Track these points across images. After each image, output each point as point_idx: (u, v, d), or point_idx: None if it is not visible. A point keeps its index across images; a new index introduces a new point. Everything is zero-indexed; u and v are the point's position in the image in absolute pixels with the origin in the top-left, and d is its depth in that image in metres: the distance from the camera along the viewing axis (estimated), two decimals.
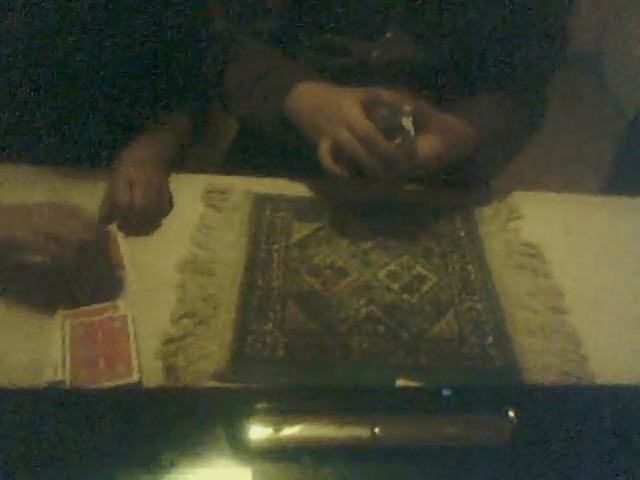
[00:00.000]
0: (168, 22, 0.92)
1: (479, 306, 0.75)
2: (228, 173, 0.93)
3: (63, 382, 0.62)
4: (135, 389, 0.61)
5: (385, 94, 0.75)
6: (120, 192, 0.81)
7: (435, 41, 0.90)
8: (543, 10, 0.89)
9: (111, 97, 0.93)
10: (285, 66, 0.90)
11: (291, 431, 0.53)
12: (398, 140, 0.74)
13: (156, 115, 0.98)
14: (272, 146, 0.93)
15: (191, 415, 0.55)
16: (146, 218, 0.81)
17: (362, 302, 0.74)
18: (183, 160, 1.02)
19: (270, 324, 0.70)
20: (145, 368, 0.64)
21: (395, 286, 0.76)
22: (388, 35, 0.90)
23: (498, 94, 0.93)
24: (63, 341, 0.65)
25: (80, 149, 0.93)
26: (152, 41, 0.92)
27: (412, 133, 0.75)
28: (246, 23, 0.94)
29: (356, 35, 0.90)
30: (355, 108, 0.73)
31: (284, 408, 0.55)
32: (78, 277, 0.69)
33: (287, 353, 0.67)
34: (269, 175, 0.91)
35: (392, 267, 0.79)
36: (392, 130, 0.74)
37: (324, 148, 0.75)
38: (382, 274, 0.78)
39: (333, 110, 0.76)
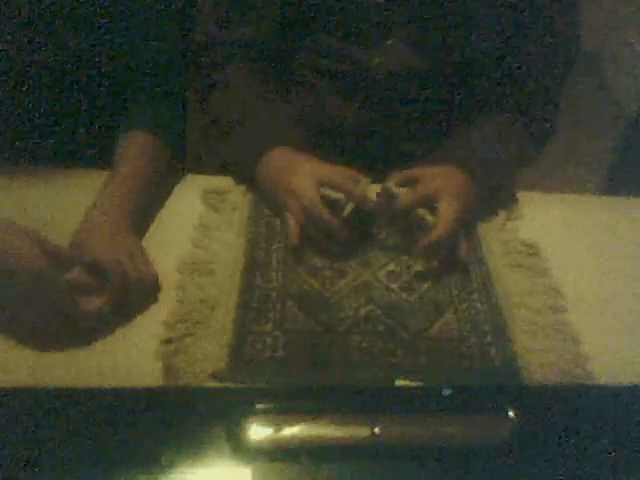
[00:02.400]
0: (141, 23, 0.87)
1: (478, 305, 0.74)
2: (227, 174, 0.93)
3: None
4: (135, 389, 0.61)
5: (338, 177, 0.78)
6: (127, 267, 0.69)
7: (437, 50, 0.89)
8: (549, 19, 0.88)
9: (77, 99, 0.90)
10: (261, 118, 0.89)
11: (291, 431, 0.53)
12: (347, 211, 0.77)
13: (120, 139, 0.84)
14: None
15: (191, 415, 0.55)
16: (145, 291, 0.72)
17: (361, 302, 0.73)
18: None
19: (270, 324, 0.70)
20: (145, 368, 0.64)
21: (394, 285, 0.76)
22: (389, 43, 0.89)
23: (500, 118, 0.91)
24: None
25: (59, 148, 0.92)
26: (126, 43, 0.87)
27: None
28: (239, 30, 0.93)
29: (357, 42, 0.90)
30: (307, 180, 0.77)
31: (284, 408, 0.55)
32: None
33: (287, 353, 0.67)
34: None
35: (391, 267, 0.79)
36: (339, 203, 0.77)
37: (291, 224, 0.79)
38: (381, 274, 0.78)
39: (289, 183, 0.78)
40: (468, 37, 0.88)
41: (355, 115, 0.96)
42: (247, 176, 0.87)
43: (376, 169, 0.83)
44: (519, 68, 0.91)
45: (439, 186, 0.78)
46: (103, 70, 0.88)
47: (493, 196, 0.87)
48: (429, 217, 0.77)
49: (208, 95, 0.94)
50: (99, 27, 0.85)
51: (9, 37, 0.83)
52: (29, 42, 0.84)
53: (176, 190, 0.88)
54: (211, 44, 0.94)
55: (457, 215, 0.76)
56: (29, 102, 0.89)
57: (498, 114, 0.91)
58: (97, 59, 0.87)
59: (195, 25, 0.97)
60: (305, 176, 0.78)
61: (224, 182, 0.89)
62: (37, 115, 0.90)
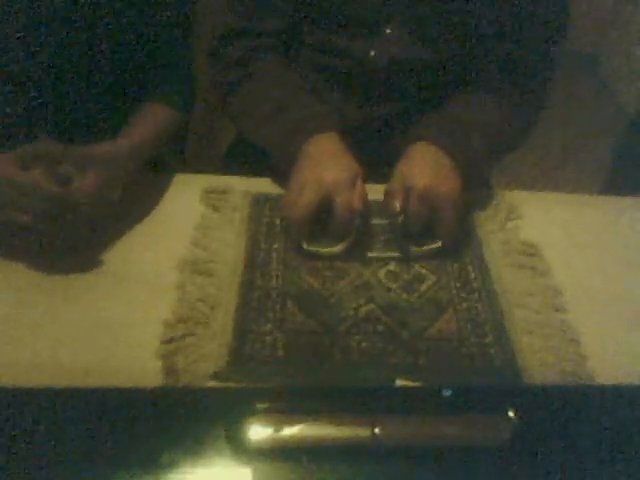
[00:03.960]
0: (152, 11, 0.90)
1: (478, 305, 0.74)
2: (227, 173, 0.93)
3: None
4: (135, 389, 0.61)
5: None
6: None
7: (434, 38, 0.90)
8: (543, 6, 0.89)
9: (93, 89, 0.90)
10: (301, 106, 0.88)
11: (291, 431, 0.53)
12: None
13: (140, 106, 0.92)
14: None
15: (191, 415, 0.55)
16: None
17: (361, 301, 0.73)
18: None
19: (269, 324, 0.70)
20: (145, 368, 0.64)
21: (394, 285, 0.76)
22: (387, 33, 0.90)
23: (493, 93, 0.93)
24: None
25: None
26: (137, 30, 0.90)
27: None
28: (256, 22, 0.93)
29: (355, 33, 0.90)
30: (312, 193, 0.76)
31: (284, 408, 0.55)
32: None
33: (287, 353, 0.67)
34: (268, 175, 0.91)
35: (391, 267, 0.79)
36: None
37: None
38: (381, 273, 0.78)
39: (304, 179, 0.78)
40: (465, 24, 0.88)
41: (356, 111, 0.96)
42: (288, 159, 0.84)
43: (377, 166, 0.83)
44: (510, 52, 0.92)
45: (404, 169, 0.80)
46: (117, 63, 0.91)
47: (471, 169, 0.85)
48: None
49: (239, 86, 0.94)
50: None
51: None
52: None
53: (176, 190, 0.88)
54: (237, 36, 0.94)
55: (425, 180, 0.76)
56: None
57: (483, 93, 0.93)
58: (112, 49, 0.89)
59: (214, 19, 0.97)
60: (317, 187, 0.77)
61: (224, 182, 0.89)
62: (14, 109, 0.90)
